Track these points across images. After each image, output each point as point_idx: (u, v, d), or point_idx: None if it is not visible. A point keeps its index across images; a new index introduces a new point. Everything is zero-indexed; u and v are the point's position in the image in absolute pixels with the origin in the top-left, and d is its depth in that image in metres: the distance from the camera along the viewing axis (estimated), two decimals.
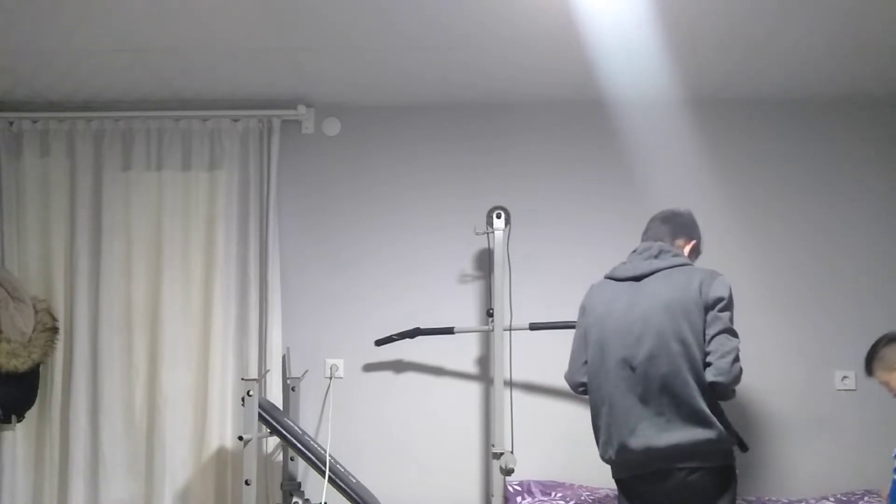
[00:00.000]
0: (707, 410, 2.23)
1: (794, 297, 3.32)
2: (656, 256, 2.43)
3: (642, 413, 2.27)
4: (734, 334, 2.27)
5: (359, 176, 3.49)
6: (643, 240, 2.58)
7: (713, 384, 2.23)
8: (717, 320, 2.26)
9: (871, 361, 2.64)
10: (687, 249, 2.53)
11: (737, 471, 2.32)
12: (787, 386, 3.28)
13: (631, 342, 2.31)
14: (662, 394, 2.25)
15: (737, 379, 2.24)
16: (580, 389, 2.50)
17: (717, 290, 2.28)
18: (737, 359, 2.23)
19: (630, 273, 2.43)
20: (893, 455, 2.51)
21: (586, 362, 2.46)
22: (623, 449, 2.29)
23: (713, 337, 2.25)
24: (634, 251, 2.53)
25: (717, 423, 2.24)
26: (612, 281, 2.48)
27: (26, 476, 3.30)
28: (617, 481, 2.42)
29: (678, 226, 2.56)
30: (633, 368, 2.29)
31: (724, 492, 2.27)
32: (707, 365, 2.24)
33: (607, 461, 2.39)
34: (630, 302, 2.36)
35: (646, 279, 2.39)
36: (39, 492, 3.30)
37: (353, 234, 3.46)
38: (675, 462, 2.24)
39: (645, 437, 2.25)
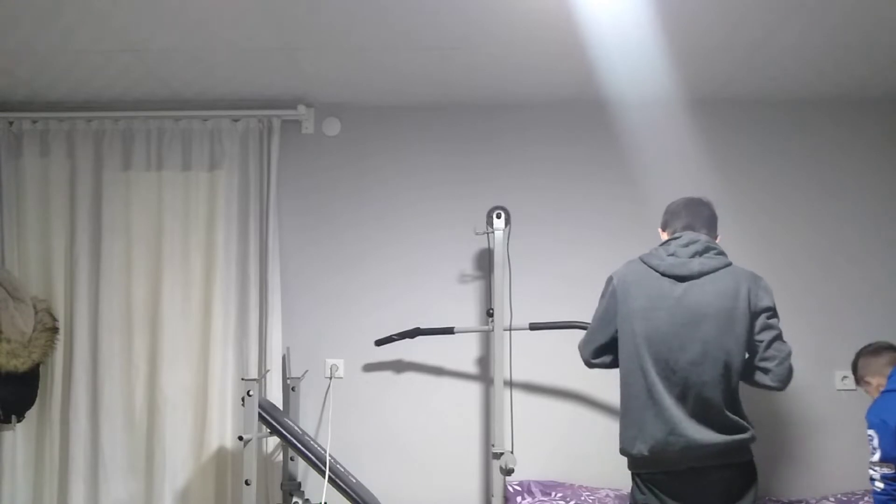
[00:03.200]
0: (739, 420, 2.29)
1: (794, 297, 3.32)
2: (702, 253, 2.38)
3: (680, 413, 2.28)
4: (783, 339, 2.33)
5: (359, 176, 3.49)
6: (673, 227, 2.50)
7: (768, 388, 2.30)
8: (770, 327, 2.31)
9: (855, 373, 2.83)
10: (717, 242, 2.50)
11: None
12: None
13: (675, 346, 2.30)
14: (699, 399, 2.28)
15: (788, 383, 2.33)
16: (588, 367, 2.56)
17: (764, 300, 2.33)
18: (791, 366, 2.30)
19: (676, 271, 2.36)
20: (870, 464, 2.52)
21: (602, 347, 2.49)
22: (660, 446, 2.29)
23: (770, 343, 2.30)
24: (676, 239, 2.43)
25: (748, 426, 2.30)
26: (654, 272, 2.40)
27: (26, 476, 3.31)
28: (639, 475, 2.40)
29: (710, 219, 2.51)
30: (673, 371, 2.30)
31: (750, 486, 2.31)
32: (763, 370, 2.29)
33: (635, 455, 2.36)
34: (676, 304, 2.33)
35: (692, 281, 2.35)
36: (39, 492, 3.30)
37: (353, 234, 3.46)
38: (710, 460, 2.27)
39: (684, 436, 2.26)
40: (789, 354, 2.30)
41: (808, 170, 3.41)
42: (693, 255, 2.38)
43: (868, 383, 2.73)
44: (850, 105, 3.42)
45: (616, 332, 2.44)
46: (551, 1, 2.52)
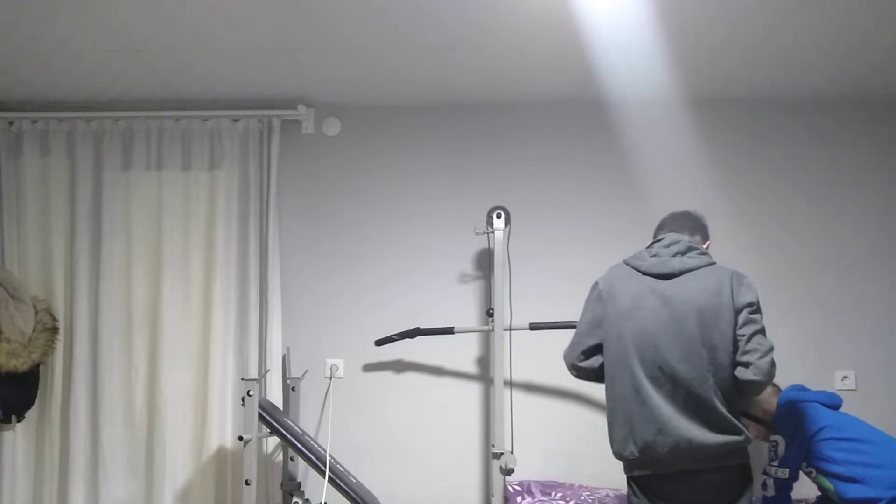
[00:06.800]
0: (732, 418, 2.26)
1: (794, 297, 3.32)
2: (684, 253, 2.39)
3: (670, 413, 2.26)
4: (766, 335, 2.30)
5: (359, 176, 3.49)
6: (658, 234, 2.53)
7: (750, 382, 2.24)
8: (751, 322, 2.28)
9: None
10: (705, 246, 2.52)
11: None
12: (787, 386, 3.27)
13: (661, 345, 2.30)
14: (689, 397, 2.26)
15: (772, 378, 2.28)
16: (574, 373, 2.52)
17: (747, 296, 2.30)
18: (773, 360, 2.26)
19: (658, 270, 2.37)
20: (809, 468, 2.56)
21: (590, 349, 2.46)
22: (649, 447, 2.28)
23: (751, 336, 2.26)
24: (659, 241, 2.46)
25: (742, 427, 2.28)
26: (636, 272, 2.42)
27: (26, 476, 3.31)
28: (632, 478, 2.39)
29: (695, 222, 2.54)
30: (660, 370, 2.29)
31: (745, 489, 2.30)
32: (744, 364, 2.25)
33: (627, 457, 2.35)
34: (659, 302, 2.33)
35: (675, 279, 2.35)
36: (39, 492, 3.30)
37: (353, 234, 3.46)
38: (701, 462, 2.25)
39: (673, 435, 2.25)
40: (771, 349, 2.26)
41: (809, 170, 3.41)
42: (675, 255, 2.39)
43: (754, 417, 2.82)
44: (850, 105, 3.42)
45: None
46: (551, 1, 2.52)
